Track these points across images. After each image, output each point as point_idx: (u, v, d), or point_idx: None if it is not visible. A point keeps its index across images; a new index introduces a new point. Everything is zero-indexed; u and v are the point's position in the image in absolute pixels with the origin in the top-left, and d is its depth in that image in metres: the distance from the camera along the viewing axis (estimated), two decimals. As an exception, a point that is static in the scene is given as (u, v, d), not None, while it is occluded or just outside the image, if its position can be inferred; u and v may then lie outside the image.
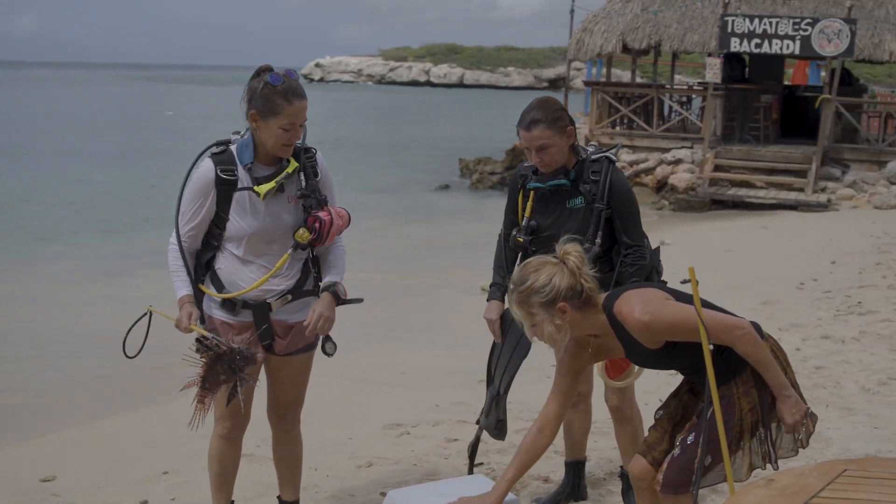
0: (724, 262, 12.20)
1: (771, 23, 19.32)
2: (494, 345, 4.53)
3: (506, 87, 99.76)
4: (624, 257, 4.16)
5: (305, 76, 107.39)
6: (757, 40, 19.56)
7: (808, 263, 11.49)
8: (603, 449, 5.52)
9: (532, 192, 4.24)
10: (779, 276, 10.93)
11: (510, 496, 3.58)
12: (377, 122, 48.45)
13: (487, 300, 4.47)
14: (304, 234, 3.79)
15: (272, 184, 3.75)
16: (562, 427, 4.73)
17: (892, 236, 13.87)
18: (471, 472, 4.82)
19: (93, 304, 10.70)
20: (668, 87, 25.05)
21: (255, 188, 3.74)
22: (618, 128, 22.45)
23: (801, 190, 19.18)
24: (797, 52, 19.56)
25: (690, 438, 3.38)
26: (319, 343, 4.00)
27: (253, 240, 3.80)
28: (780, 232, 15.18)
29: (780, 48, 19.45)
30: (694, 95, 25.15)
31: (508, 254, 4.41)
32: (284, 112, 3.65)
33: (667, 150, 20.97)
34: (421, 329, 9.09)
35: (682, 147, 21.01)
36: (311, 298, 3.98)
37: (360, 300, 4.00)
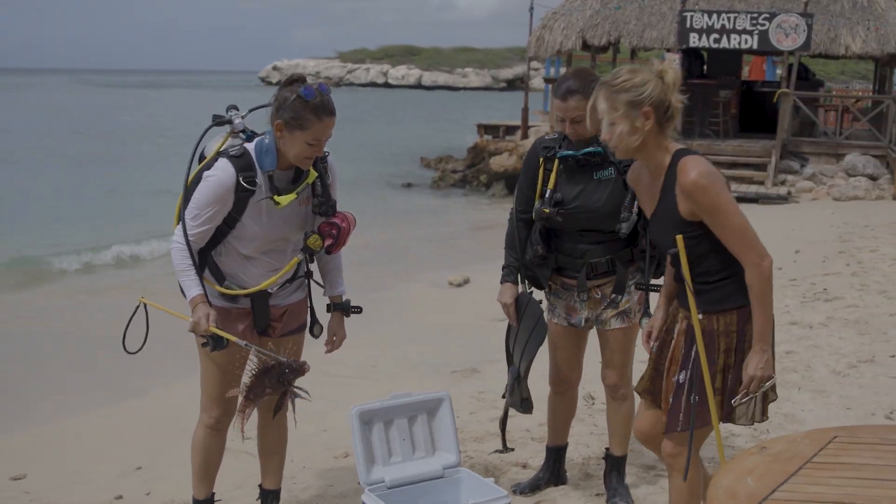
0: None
1: (729, 18, 19.48)
2: (510, 326, 4.47)
3: (464, 88, 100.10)
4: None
5: (263, 79, 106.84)
6: (715, 35, 19.71)
7: (773, 253, 11.48)
8: (579, 434, 5.51)
9: (556, 163, 4.15)
10: (744, 265, 10.99)
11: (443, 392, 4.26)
12: (336, 124, 48.23)
13: (501, 282, 4.39)
14: (316, 242, 3.75)
15: (293, 196, 3.68)
16: (545, 414, 4.76)
17: (853, 226, 14.03)
18: (504, 446, 4.93)
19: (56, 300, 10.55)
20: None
21: (275, 198, 3.66)
22: (578, 124, 22.52)
23: (761, 183, 19.36)
24: (755, 46, 19.74)
25: (681, 377, 3.39)
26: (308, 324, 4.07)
27: (264, 240, 3.76)
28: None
29: (739, 43, 19.62)
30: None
31: (522, 232, 4.33)
32: (313, 128, 3.57)
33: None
34: (390, 323, 9.05)
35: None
36: (303, 280, 4.01)
37: (359, 309, 4.07)
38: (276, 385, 3.64)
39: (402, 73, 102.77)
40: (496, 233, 17.23)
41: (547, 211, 4.13)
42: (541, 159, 4.23)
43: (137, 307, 3.89)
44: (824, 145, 20.52)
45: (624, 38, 21.57)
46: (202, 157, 3.78)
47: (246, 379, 3.65)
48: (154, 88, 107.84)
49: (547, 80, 24.84)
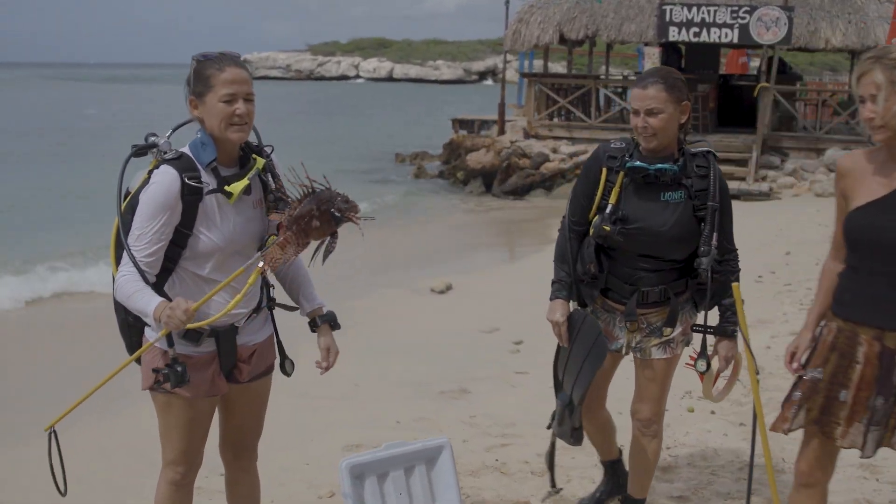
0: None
1: (709, 11, 19.15)
2: (560, 348, 4.16)
3: (435, 81, 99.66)
4: (721, 264, 3.86)
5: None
6: (695, 29, 19.37)
7: (763, 255, 11.23)
8: (584, 467, 5.11)
9: (621, 176, 3.82)
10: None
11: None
12: (307, 118, 47.68)
13: (551, 299, 4.05)
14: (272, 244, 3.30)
15: (245, 181, 3.25)
16: (593, 431, 4.43)
17: (840, 225, 13.73)
18: (553, 482, 4.66)
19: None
20: (606, 77, 24.84)
21: (226, 188, 3.23)
22: (556, 119, 22.17)
23: (742, 179, 19.06)
24: (735, 40, 19.42)
25: (878, 402, 3.27)
26: (277, 362, 3.63)
27: (221, 254, 3.30)
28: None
29: (719, 37, 19.29)
30: (627, 86, 25.01)
31: (574, 244, 4.00)
32: (219, 81, 3.18)
33: (606, 142, 20.67)
34: (369, 335, 8.61)
35: (622, 138, 20.71)
36: (265, 313, 3.59)
37: (338, 326, 3.66)
38: (325, 219, 3.05)
39: (373, 65, 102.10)
40: (475, 233, 16.99)
41: (608, 229, 3.79)
42: (604, 170, 3.88)
43: (50, 438, 3.44)
44: (804, 140, 20.28)
45: (602, 32, 21.21)
46: (127, 195, 3.33)
47: (291, 208, 3.12)
48: (109, 82, 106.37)
49: (524, 75, 24.38)
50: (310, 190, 3.10)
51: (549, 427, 4.45)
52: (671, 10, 19.32)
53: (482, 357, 7.67)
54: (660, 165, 3.75)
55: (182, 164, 3.22)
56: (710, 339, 4.00)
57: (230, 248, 3.30)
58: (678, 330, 4.00)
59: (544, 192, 20.40)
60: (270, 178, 3.35)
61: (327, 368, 3.58)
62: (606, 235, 3.83)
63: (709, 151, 3.86)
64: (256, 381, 3.54)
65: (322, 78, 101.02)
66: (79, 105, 57.54)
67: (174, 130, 3.38)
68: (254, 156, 3.34)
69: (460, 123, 27.40)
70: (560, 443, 4.61)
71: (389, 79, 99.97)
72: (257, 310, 3.47)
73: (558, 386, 4.25)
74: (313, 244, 3.15)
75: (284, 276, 3.60)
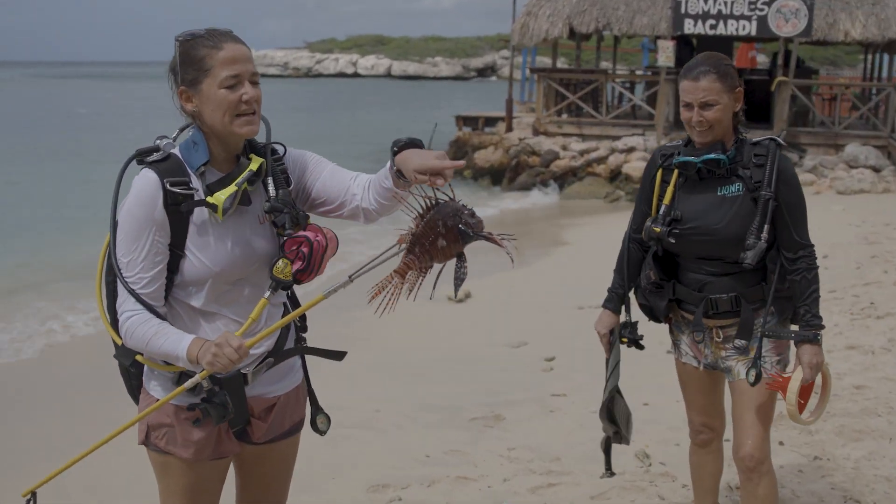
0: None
1: (726, 3, 18.52)
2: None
3: (434, 78, 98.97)
4: (793, 262, 3.46)
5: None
6: (711, 21, 18.75)
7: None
8: None
9: (675, 174, 3.56)
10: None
11: None
12: (306, 115, 46.94)
13: (602, 307, 3.85)
14: (285, 268, 2.64)
15: (231, 187, 2.60)
16: (694, 466, 4.04)
17: (873, 224, 13.12)
18: (608, 465, 4.32)
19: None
20: (617, 72, 24.20)
21: (209, 199, 2.59)
22: (564, 115, 21.52)
23: (759, 176, 18.42)
24: (753, 33, 18.78)
25: None
26: (308, 418, 2.97)
27: (218, 281, 2.65)
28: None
29: (736, 29, 18.67)
30: (636, 81, 24.38)
31: (635, 254, 3.77)
32: (216, 61, 2.54)
33: (617, 138, 20.12)
34: (386, 351, 7.95)
35: (634, 134, 20.16)
36: (296, 361, 2.91)
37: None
38: (452, 233, 2.41)
39: (371, 62, 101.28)
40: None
41: (657, 230, 3.54)
42: (658, 169, 3.64)
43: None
44: (822, 136, 19.67)
45: (613, 25, 20.57)
46: None
47: (412, 223, 2.49)
48: (109, 80, 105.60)
49: (533, 70, 23.72)
50: (433, 202, 2.45)
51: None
52: (686, 2, 18.68)
53: (513, 376, 7.01)
54: (707, 156, 3.45)
55: (166, 166, 2.59)
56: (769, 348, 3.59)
57: (229, 275, 2.66)
58: (768, 346, 3.56)
59: (555, 191, 19.76)
60: (271, 186, 2.68)
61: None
62: (657, 238, 3.57)
63: (771, 139, 3.52)
64: (278, 442, 2.89)
65: (320, 75, 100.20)
66: (71, 103, 56.73)
67: (182, 131, 2.75)
68: (250, 156, 2.68)
69: (464, 120, 26.72)
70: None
71: (388, 76, 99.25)
72: (275, 354, 2.79)
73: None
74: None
75: (364, 209, 2.76)
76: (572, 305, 9.11)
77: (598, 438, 5.58)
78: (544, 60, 41.36)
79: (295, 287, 2.78)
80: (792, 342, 3.56)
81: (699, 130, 3.43)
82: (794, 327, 3.61)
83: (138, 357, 2.73)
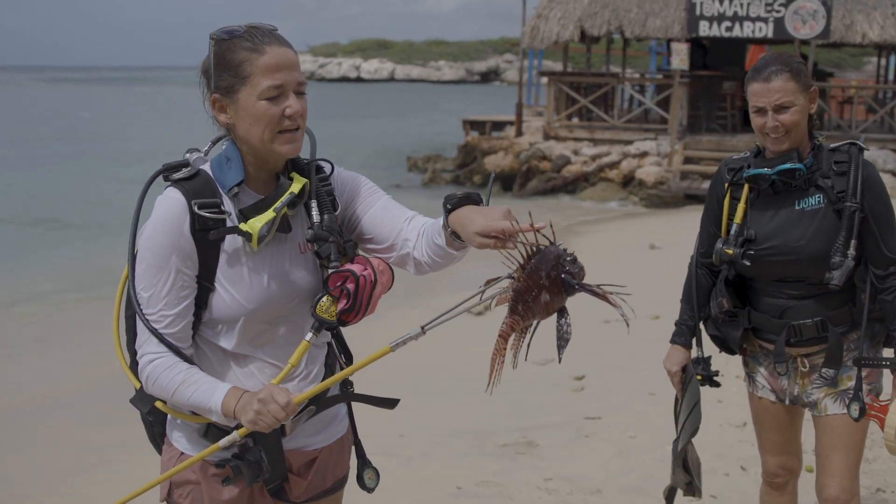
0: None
1: (742, 4, 18.17)
2: (677, 396, 3.59)
3: (437, 81, 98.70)
4: (884, 279, 3.12)
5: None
6: (727, 23, 18.41)
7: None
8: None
9: (745, 189, 3.20)
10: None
11: None
12: (311, 120, 46.59)
13: (670, 342, 3.49)
14: (329, 307, 2.29)
15: (269, 213, 2.24)
16: None
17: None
18: None
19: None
20: (631, 75, 23.88)
21: (242, 226, 2.23)
22: (575, 119, 21.17)
23: (776, 181, 18.09)
24: (770, 35, 18.42)
25: None
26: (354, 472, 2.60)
27: (252, 320, 2.30)
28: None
29: (753, 31, 18.33)
30: (646, 84, 24.05)
31: (704, 280, 3.41)
32: (257, 68, 2.17)
33: (629, 143, 19.79)
34: (403, 370, 7.58)
35: (646, 139, 19.83)
36: (340, 408, 2.56)
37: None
38: (555, 283, 2.05)
39: (374, 66, 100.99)
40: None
41: (730, 252, 3.19)
42: (726, 185, 3.28)
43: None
44: (838, 139, 19.17)
45: (625, 28, 20.24)
46: None
47: (515, 276, 2.09)
48: (113, 84, 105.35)
49: (542, 73, 23.39)
50: (534, 248, 2.07)
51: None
52: (701, 4, 18.33)
53: (542, 397, 6.65)
54: (782, 166, 3.10)
55: (194, 186, 2.24)
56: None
57: (265, 313, 2.30)
58: (861, 375, 3.19)
59: (568, 196, 19.43)
60: (314, 210, 2.32)
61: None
62: (730, 261, 3.21)
63: (852, 143, 3.18)
64: (318, 501, 2.53)
65: (323, 79, 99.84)
66: (74, 108, 56.44)
67: (214, 143, 2.40)
68: (292, 175, 2.32)
69: (471, 125, 26.38)
70: None
71: (391, 80, 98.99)
72: (317, 401, 2.43)
73: (677, 430, 3.64)
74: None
75: (415, 258, 2.39)
76: (597, 319, 8.74)
77: (639, 467, 5.29)
78: (548, 64, 40.99)
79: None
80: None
81: (774, 137, 3.10)
82: (887, 351, 3.27)
83: (158, 404, 2.38)
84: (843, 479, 3.24)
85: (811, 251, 3.12)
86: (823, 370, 3.22)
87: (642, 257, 12.36)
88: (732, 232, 3.22)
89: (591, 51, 23.03)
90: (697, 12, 18.50)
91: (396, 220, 2.40)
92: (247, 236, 2.22)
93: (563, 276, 2.05)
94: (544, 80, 29.82)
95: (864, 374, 3.21)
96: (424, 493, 5.04)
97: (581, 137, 20.44)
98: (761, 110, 3.09)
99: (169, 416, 2.42)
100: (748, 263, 3.17)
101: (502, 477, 5.18)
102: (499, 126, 24.98)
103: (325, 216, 2.31)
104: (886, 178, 17.57)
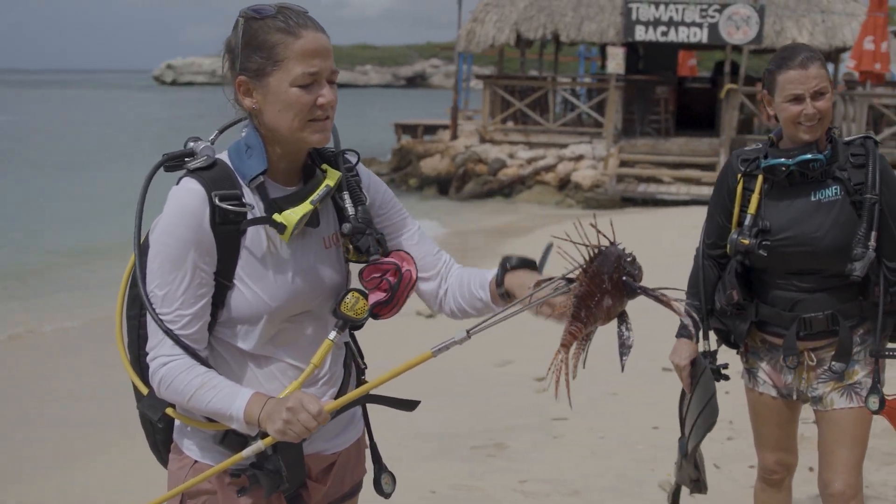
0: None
1: (677, 9, 18.39)
2: (683, 392, 3.50)
3: (364, 86, 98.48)
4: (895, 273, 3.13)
5: (156, 78, 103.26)
6: (663, 28, 18.61)
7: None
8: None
9: (760, 180, 3.16)
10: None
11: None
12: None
13: (676, 336, 3.40)
14: (356, 303, 2.18)
15: (305, 206, 2.11)
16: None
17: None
18: None
19: None
20: (564, 80, 24.02)
21: (276, 217, 2.10)
22: (510, 123, 21.22)
23: (710, 184, 18.34)
24: (704, 40, 18.69)
25: None
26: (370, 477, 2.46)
27: (274, 319, 2.16)
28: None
29: (688, 36, 18.56)
30: (578, 88, 24.22)
31: (711, 272, 3.35)
32: (292, 52, 2.05)
33: (564, 146, 19.89)
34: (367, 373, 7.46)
35: (581, 142, 19.95)
36: (357, 410, 2.44)
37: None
38: (619, 289, 1.95)
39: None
40: (444, 242, 15.86)
41: (746, 242, 3.15)
42: (739, 176, 3.22)
43: None
44: (769, 143, 19.63)
45: (561, 32, 20.36)
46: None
47: (578, 283, 1.99)
48: (34, 88, 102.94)
49: (479, 77, 23.40)
50: (596, 250, 1.95)
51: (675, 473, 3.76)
52: (637, 9, 18.49)
53: (506, 399, 6.59)
54: (802, 157, 3.07)
55: (213, 176, 2.10)
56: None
57: (288, 310, 2.18)
58: (865, 371, 3.20)
59: (504, 199, 19.46)
60: (348, 202, 2.21)
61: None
62: (746, 251, 3.17)
63: (867, 137, 3.20)
64: None
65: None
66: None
67: (221, 132, 2.27)
68: (323, 167, 2.21)
69: (403, 128, 26.32)
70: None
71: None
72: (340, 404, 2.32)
73: (682, 429, 3.60)
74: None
75: (442, 297, 2.37)
76: (550, 320, 8.72)
77: (614, 468, 5.25)
78: (477, 70, 41.12)
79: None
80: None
81: (809, 126, 3.05)
82: (893, 345, 3.26)
83: (169, 410, 2.23)
84: (848, 475, 3.21)
85: (829, 243, 3.10)
86: (833, 364, 3.19)
87: (587, 259, 12.38)
88: (747, 223, 3.18)
89: (525, 56, 23.14)
90: (634, 17, 18.67)
91: (431, 252, 2.36)
92: (279, 228, 2.09)
93: (624, 278, 1.95)
94: (474, 84, 29.87)
95: (869, 368, 3.19)
96: (397, 498, 4.90)
97: (516, 141, 20.49)
98: (798, 98, 3.04)
99: (178, 423, 2.28)
100: (764, 254, 3.13)
101: (476, 480, 5.09)
102: (431, 130, 24.96)
103: (360, 208, 2.20)
104: (817, 182, 17.94)
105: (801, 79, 3.03)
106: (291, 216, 2.09)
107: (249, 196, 2.12)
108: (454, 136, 21.86)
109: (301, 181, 2.19)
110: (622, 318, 1.99)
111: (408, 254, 2.25)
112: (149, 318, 2.12)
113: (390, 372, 2.11)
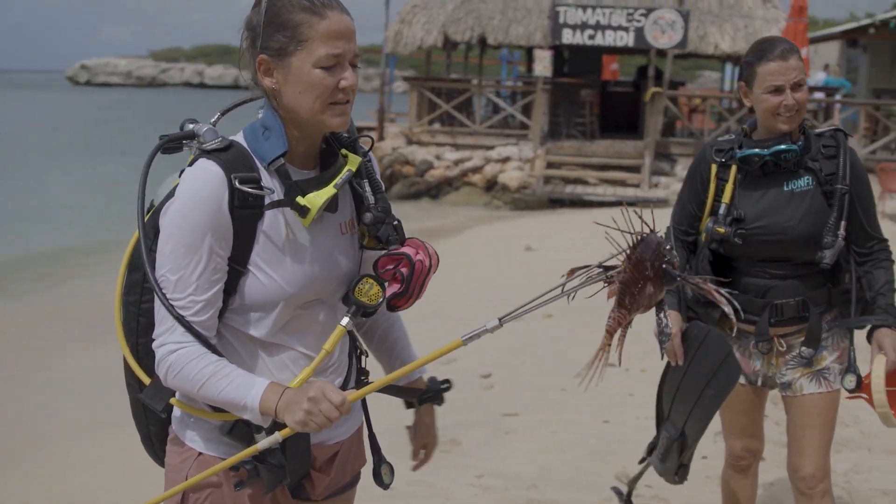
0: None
1: (604, 13, 18.58)
2: (668, 370, 3.41)
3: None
4: (866, 255, 3.23)
5: (70, 78, 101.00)
6: (590, 32, 18.78)
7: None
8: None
9: (734, 171, 3.21)
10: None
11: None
12: (154, 125, 45.27)
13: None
14: (370, 290, 2.13)
15: (329, 190, 2.06)
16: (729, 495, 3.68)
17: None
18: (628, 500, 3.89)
19: None
20: (495, 82, 24.13)
21: (299, 200, 2.04)
22: (436, 125, 21.22)
23: (636, 186, 18.61)
24: (630, 43, 18.91)
25: None
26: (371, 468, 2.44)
27: (290, 306, 2.10)
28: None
29: (614, 40, 18.76)
30: (501, 90, 24.35)
31: (682, 253, 3.34)
32: (317, 32, 1.99)
33: (491, 148, 19.96)
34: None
35: (507, 144, 20.04)
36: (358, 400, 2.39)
37: (448, 385, 2.52)
38: (659, 276, 1.94)
39: (218, 72, 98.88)
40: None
41: (722, 231, 3.19)
42: (713, 167, 3.26)
43: None
44: (691, 145, 19.96)
45: (489, 35, 20.42)
46: (150, 211, 2.16)
47: (622, 270, 1.96)
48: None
49: (406, 79, 23.35)
50: (638, 238, 1.93)
51: (642, 461, 3.77)
52: (565, 12, 18.64)
53: (454, 395, 6.47)
54: (777, 147, 3.13)
55: (230, 158, 2.03)
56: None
57: (303, 297, 2.11)
58: (833, 356, 3.26)
59: (432, 201, 19.45)
60: (368, 188, 2.17)
61: (420, 466, 2.60)
62: (722, 239, 3.22)
63: (837, 129, 3.27)
64: (336, 497, 2.35)
65: (165, 84, 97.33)
66: None
67: (223, 114, 2.20)
68: (343, 152, 2.14)
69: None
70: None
71: (235, 86, 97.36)
72: (344, 385, 2.27)
73: (661, 416, 3.52)
74: None
75: (372, 329, 2.43)
76: (491, 316, 8.72)
77: (569, 461, 5.23)
78: (397, 74, 41.12)
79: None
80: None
81: (787, 116, 3.11)
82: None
83: (173, 400, 2.15)
84: (818, 458, 3.26)
85: (801, 231, 3.16)
86: (802, 349, 3.24)
87: (520, 259, 12.45)
88: (721, 212, 3.22)
89: (451, 58, 23.16)
90: (561, 20, 18.82)
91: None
92: (302, 211, 2.03)
93: (664, 266, 1.94)
94: (396, 86, 29.74)
95: (836, 354, 3.25)
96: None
97: (443, 143, 20.49)
98: (779, 89, 3.10)
99: (179, 414, 2.18)
100: (740, 242, 3.18)
101: (431, 476, 5.03)
102: (358, 130, 24.75)
103: (379, 196, 2.16)
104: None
105: (781, 70, 3.08)
106: (315, 199, 2.03)
107: (267, 179, 2.05)
108: (381, 138, 21.77)
109: (317, 166, 2.13)
110: (660, 306, 1.98)
111: (422, 242, 2.20)
112: (156, 303, 2.03)
113: (421, 359, 2.08)
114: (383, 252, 2.15)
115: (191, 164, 2.04)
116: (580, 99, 20.90)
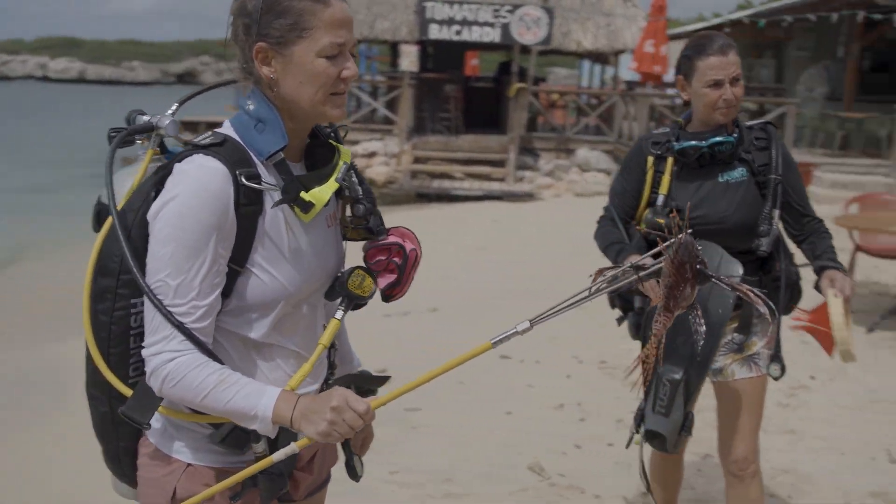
0: (504, 264, 11.20)
1: (471, 9, 18.71)
2: (643, 311, 3.39)
3: (132, 83, 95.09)
4: (803, 228, 3.35)
5: None
6: (457, 27, 18.89)
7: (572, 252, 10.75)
8: None
9: (670, 162, 3.29)
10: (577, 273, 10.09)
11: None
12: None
13: (618, 261, 3.24)
14: (363, 282, 2.06)
15: (331, 184, 1.99)
16: (659, 479, 3.77)
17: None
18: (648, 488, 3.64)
19: None
20: (360, 77, 23.89)
21: (304, 195, 1.94)
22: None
23: (501, 180, 18.83)
24: (497, 39, 19.10)
25: None
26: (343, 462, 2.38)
27: (289, 304, 2.01)
28: (514, 225, 14.63)
29: (481, 36, 18.92)
30: (362, 84, 24.28)
31: (613, 229, 3.39)
32: (321, 21, 1.90)
33: (356, 143, 19.87)
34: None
35: (372, 139, 19.98)
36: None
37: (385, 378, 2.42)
38: (695, 278, 1.92)
39: (62, 65, 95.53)
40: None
41: (661, 222, 3.23)
42: (650, 158, 3.35)
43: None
44: (555, 140, 20.33)
45: (354, 29, 20.19)
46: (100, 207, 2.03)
47: (666, 273, 1.92)
48: None
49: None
50: (679, 241, 1.90)
51: (628, 446, 3.49)
52: (432, 7, 18.69)
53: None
54: (714, 139, 3.22)
55: (229, 153, 1.90)
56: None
57: (302, 294, 2.03)
58: (763, 342, 3.36)
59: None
60: (355, 179, 2.09)
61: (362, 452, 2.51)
62: (660, 229, 3.13)
63: (767, 123, 3.40)
64: (313, 496, 2.29)
65: (6, 78, 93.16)
66: None
67: (182, 103, 2.10)
68: (333, 144, 2.08)
69: (184, 125, 25.51)
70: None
71: (81, 80, 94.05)
72: (325, 383, 2.19)
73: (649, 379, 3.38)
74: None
75: None
76: (379, 313, 8.68)
77: (480, 453, 5.25)
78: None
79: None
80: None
81: (725, 110, 3.20)
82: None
83: (162, 409, 1.99)
84: (750, 441, 3.36)
85: (736, 221, 3.24)
86: (734, 335, 3.33)
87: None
88: (659, 202, 3.30)
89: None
90: (428, 15, 18.86)
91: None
92: (305, 207, 1.94)
93: (698, 266, 1.92)
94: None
95: (764, 340, 3.35)
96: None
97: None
98: (718, 83, 3.17)
99: (159, 426, 2.05)
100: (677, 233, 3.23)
101: (343, 473, 4.97)
102: (213, 126, 24.19)
103: (364, 186, 2.10)
104: (599, 176, 18.75)
105: (721, 65, 3.16)
106: (320, 194, 1.95)
107: (267, 175, 1.95)
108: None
109: (302, 158, 2.04)
110: (693, 306, 1.98)
111: (408, 230, 2.14)
112: (148, 311, 1.88)
113: (449, 362, 1.98)
114: (372, 244, 2.10)
115: (180, 160, 1.90)
116: (444, 94, 21.01)
